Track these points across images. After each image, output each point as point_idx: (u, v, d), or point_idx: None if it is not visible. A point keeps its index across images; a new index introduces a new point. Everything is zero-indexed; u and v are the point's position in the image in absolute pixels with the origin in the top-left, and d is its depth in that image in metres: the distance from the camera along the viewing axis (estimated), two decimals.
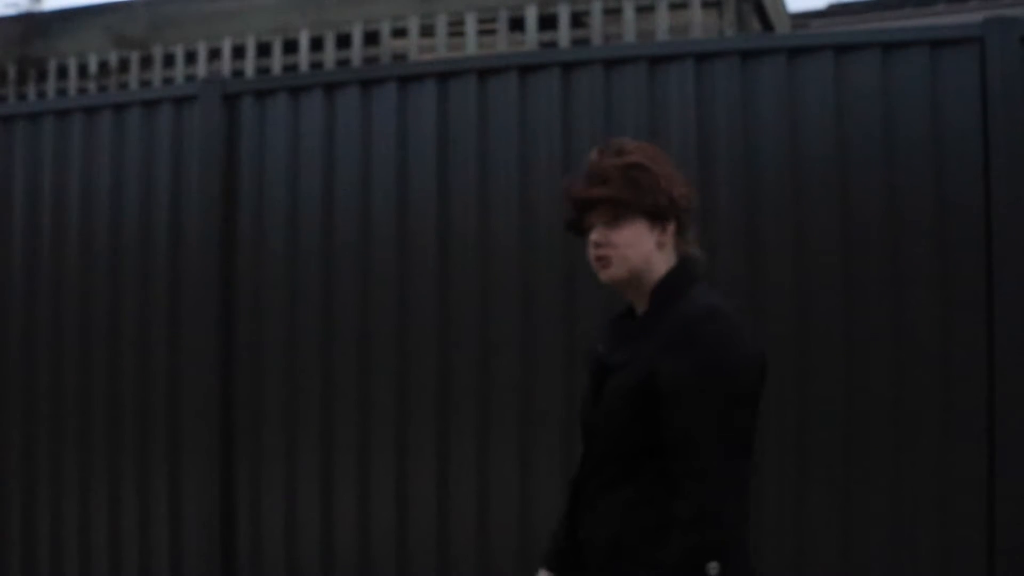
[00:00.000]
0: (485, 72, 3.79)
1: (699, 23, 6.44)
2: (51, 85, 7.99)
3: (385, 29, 7.22)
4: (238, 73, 7.59)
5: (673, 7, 6.61)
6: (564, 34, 6.74)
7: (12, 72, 8.09)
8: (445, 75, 3.83)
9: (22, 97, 8.04)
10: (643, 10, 6.65)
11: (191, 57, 7.76)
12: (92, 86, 7.86)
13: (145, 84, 7.78)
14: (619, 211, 1.97)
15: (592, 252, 2.02)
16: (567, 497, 2.05)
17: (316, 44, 7.51)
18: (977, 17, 3.48)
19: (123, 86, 7.84)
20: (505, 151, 3.73)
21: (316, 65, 7.48)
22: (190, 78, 7.63)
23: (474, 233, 3.73)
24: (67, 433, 4.18)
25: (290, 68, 7.50)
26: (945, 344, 3.30)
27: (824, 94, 3.46)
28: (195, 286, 4.02)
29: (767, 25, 7.53)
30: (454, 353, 3.72)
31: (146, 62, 7.84)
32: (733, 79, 3.53)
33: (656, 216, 1.98)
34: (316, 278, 3.89)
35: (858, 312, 3.37)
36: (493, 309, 3.69)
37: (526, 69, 3.74)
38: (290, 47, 7.60)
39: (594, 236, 2.01)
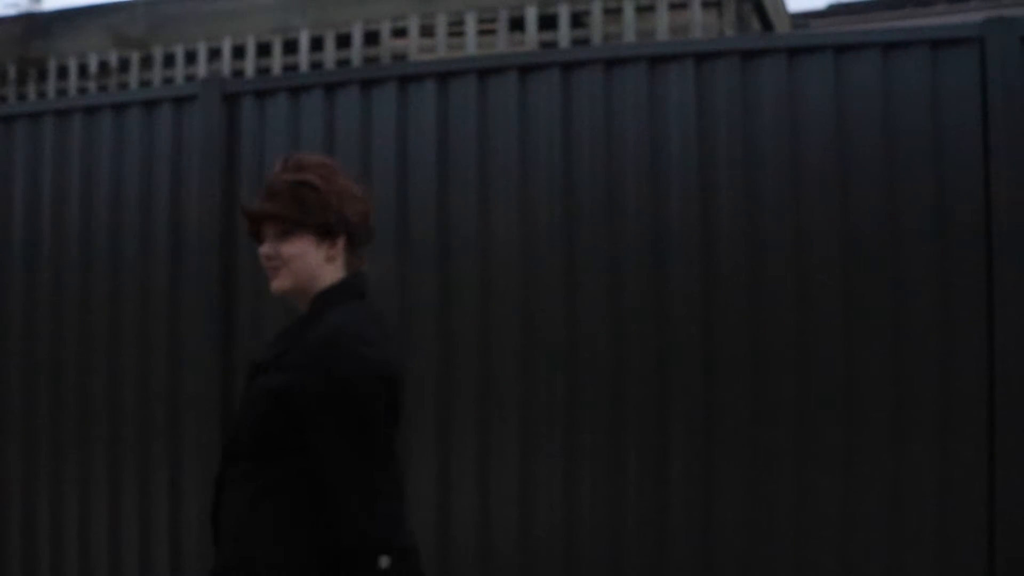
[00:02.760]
0: (485, 72, 3.79)
1: (699, 23, 6.45)
2: (51, 85, 7.99)
3: (385, 29, 7.23)
4: (238, 73, 7.59)
5: (673, 7, 6.61)
6: (564, 34, 6.74)
7: (12, 72, 8.09)
8: (445, 75, 3.83)
9: (22, 97, 8.04)
10: (643, 10, 6.65)
11: (191, 57, 7.76)
12: (92, 86, 7.86)
13: (145, 84, 7.78)
14: (287, 226, 2.07)
15: (263, 262, 2.12)
16: (214, 486, 2.13)
17: (316, 44, 7.52)
18: (977, 17, 3.48)
19: (123, 86, 7.84)
20: (505, 151, 3.73)
21: (316, 65, 7.48)
22: (190, 78, 7.63)
23: (474, 233, 3.73)
24: (67, 433, 4.18)
25: (290, 68, 7.51)
26: (945, 344, 3.30)
27: (824, 94, 3.46)
28: (195, 286, 4.02)
29: (767, 25, 7.53)
30: (454, 352, 3.72)
31: (146, 62, 7.84)
32: (733, 79, 3.53)
33: (325, 232, 2.08)
34: None
35: (858, 312, 3.37)
36: (493, 308, 3.69)
37: (526, 69, 3.74)
38: (290, 47, 7.60)
39: (264, 248, 2.11)
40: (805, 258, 3.43)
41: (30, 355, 4.26)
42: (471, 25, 6.93)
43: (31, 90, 8.08)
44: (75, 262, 4.22)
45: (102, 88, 7.85)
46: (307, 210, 2.05)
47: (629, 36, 6.53)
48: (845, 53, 3.46)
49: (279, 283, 2.09)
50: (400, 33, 7.29)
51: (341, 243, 2.10)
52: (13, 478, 4.25)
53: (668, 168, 3.57)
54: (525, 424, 3.62)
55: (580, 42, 6.79)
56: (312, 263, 2.07)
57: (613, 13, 6.73)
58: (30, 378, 4.26)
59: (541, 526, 3.58)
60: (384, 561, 1.87)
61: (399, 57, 7.27)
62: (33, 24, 8.21)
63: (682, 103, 3.58)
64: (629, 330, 3.55)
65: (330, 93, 3.95)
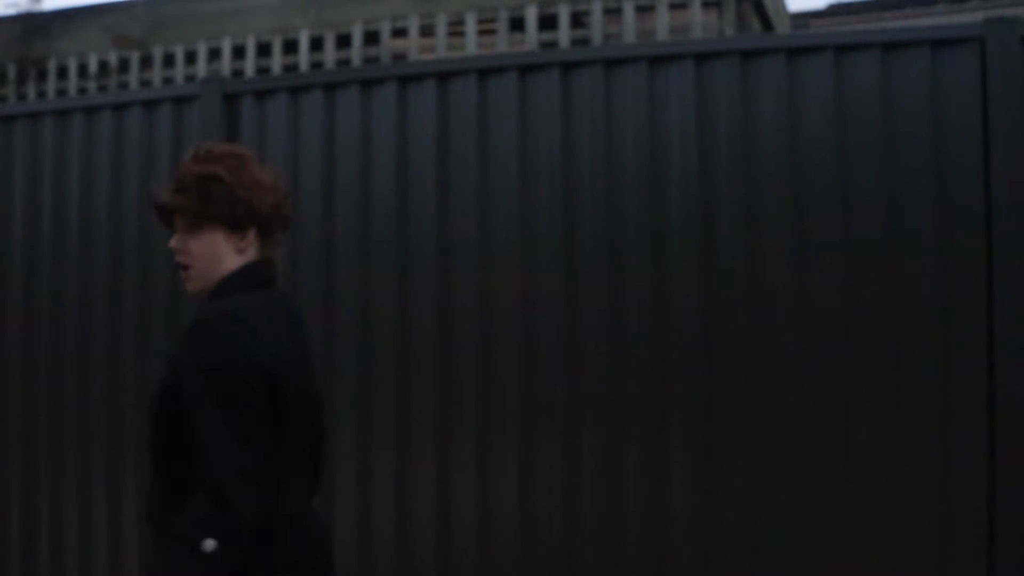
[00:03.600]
0: (485, 72, 3.79)
1: (699, 23, 6.45)
2: (51, 85, 7.99)
3: (385, 29, 7.22)
4: (238, 73, 7.58)
5: (673, 7, 6.61)
6: (564, 34, 6.74)
7: (12, 72, 8.09)
8: (445, 75, 3.83)
9: (22, 97, 8.04)
10: (643, 10, 6.65)
11: (191, 57, 7.76)
12: (92, 86, 7.86)
13: (145, 84, 7.78)
14: (196, 220, 2.07)
15: (173, 256, 2.10)
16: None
17: (316, 44, 7.51)
18: (977, 17, 3.48)
19: (123, 86, 7.83)
20: (505, 151, 3.73)
21: (316, 65, 7.48)
22: (190, 78, 7.62)
23: (474, 233, 3.73)
24: (67, 432, 4.18)
25: (290, 68, 7.50)
26: (945, 344, 3.30)
27: (824, 94, 3.46)
28: None
29: (767, 25, 7.53)
30: (454, 353, 3.72)
31: (146, 62, 7.84)
32: (733, 79, 3.53)
33: (233, 225, 2.08)
34: (315, 277, 3.89)
35: (858, 311, 3.37)
36: (493, 309, 3.69)
37: (526, 69, 3.74)
38: (290, 47, 7.60)
39: (173, 242, 2.10)
40: (805, 258, 3.43)
41: (30, 354, 4.26)
42: (471, 25, 6.93)
43: (31, 90, 8.07)
44: (75, 262, 4.22)
45: (102, 88, 7.84)
46: (214, 204, 2.06)
47: (629, 36, 6.53)
48: (845, 53, 3.46)
49: (193, 286, 2.11)
50: (400, 33, 7.29)
51: (251, 234, 2.11)
52: (13, 478, 4.25)
53: (668, 168, 3.57)
54: (525, 423, 3.62)
55: (580, 42, 6.78)
56: (221, 256, 2.09)
57: (613, 13, 6.73)
58: (30, 377, 4.26)
59: (541, 526, 3.58)
60: (209, 545, 1.84)
61: (399, 57, 7.26)
62: (33, 24, 8.21)
63: (682, 103, 3.58)
64: (629, 329, 3.55)
65: (330, 93, 3.96)
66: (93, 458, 4.13)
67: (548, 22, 6.97)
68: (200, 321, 1.99)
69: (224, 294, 2.08)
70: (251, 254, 2.13)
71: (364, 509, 3.78)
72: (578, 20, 6.93)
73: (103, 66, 7.91)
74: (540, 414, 3.61)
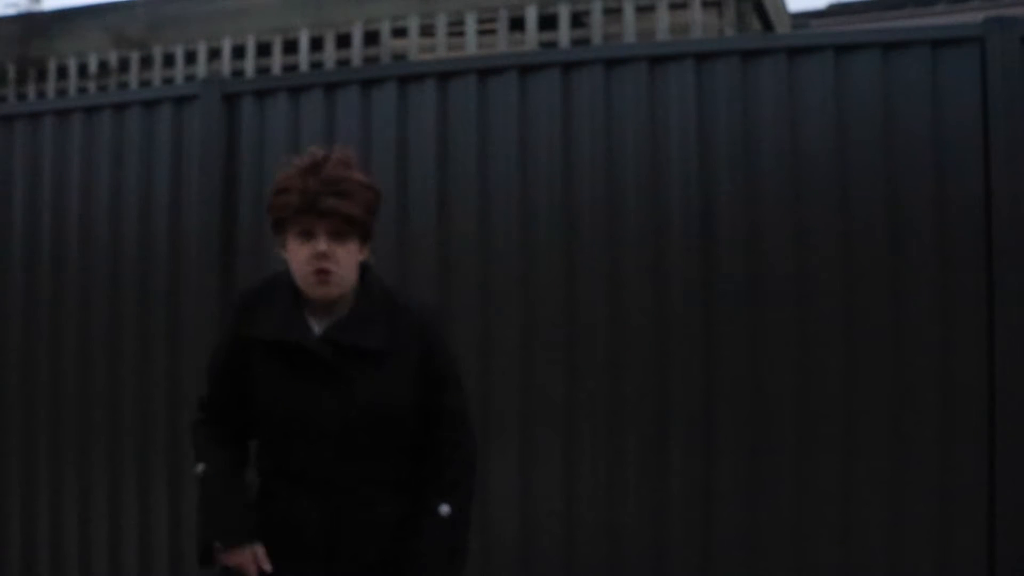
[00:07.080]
0: (485, 72, 3.79)
1: (699, 23, 6.45)
2: (51, 85, 7.99)
3: (385, 29, 7.23)
4: (238, 73, 7.58)
5: (673, 7, 6.61)
6: (564, 34, 6.74)
7: (12, 72, 8.09)
8: (445, 75, 3.83)
9: (22, 97, 8.04)
10: (643, 10, 6.65)
11: (191, 57, 7.76)
12: (92, 86, 7.85)
13: (145, 84, 7.78)
14: (362, 233, 2.17)
15: (317, 264, 2.10)
16: None
17: (316, 44, 7.51)
18: (977, 17, 3.48)
19: (123, 86, 7.83)
20: (505, 151, 3.73)
21: (316, 65, 7.48)
22: (190, 78, 7.62)
23: (474, 233, 3.73)
24: (67, 434, 4.17)
25: (290, 68, 7.50)
26: (945, 344, 3.30)
27: (824, 94, 3.45)
28: (195, 286, 4.01)
29: (767, 25, 7.53)
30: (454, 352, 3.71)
31: (146, 62, 7.84)
32: (733, 79, 3.53)
33: (366, 239, 2.21)
34: None
35: (858, 311, 3.37)
36: (493, 308, 3.69)
37: (526, 69, 3.74)
38: (290, 47, 7.60)
39: (323, 246, 2.10)
40: (805, 258, 3.42)
41: (30, 355, 4.26)
42: (471, 25, 6.94)
43: (31, 90, 8.08)
44: (75, 262, 4.22)
45: (102, 88, 7.84)
46: (374, 219, 2.32)
47: (629, 36, 6.54)
48: (845, 53, 3.45)
49: (335, 292, 2.17)
50: (400, 33, 7.29)
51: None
52: (13, 478, 4.25)
53: (668, 168, 3.57)
54: (524, 422, 3.62)
55: (580, 42, 6.78)
56: (356, 264, 2.27)
57: (613, 13, 6.73)
58: (30, 378, 4.25)
59: (541, 525, 3.58)
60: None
61: (399, 57, 7.26)
62: (33, 24, 8.21)
63: (682, 103, 3.57)
64: (629, 329, 3.55)
65: (330, 93, 3.95)
66: (93, 458, 4.13)
67: (548, 22, 6.96)
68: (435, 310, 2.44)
69: (381, 290, 2.23)
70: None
71: None
72: (578, 20, 6.92)
73: (103, 66, 7.91)
74: (539, 413, 3.61)
